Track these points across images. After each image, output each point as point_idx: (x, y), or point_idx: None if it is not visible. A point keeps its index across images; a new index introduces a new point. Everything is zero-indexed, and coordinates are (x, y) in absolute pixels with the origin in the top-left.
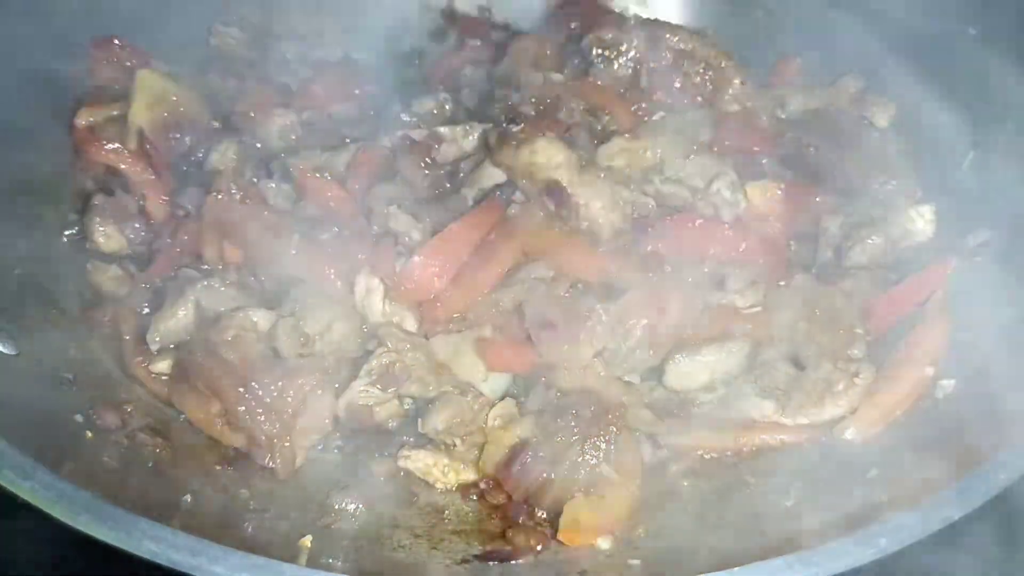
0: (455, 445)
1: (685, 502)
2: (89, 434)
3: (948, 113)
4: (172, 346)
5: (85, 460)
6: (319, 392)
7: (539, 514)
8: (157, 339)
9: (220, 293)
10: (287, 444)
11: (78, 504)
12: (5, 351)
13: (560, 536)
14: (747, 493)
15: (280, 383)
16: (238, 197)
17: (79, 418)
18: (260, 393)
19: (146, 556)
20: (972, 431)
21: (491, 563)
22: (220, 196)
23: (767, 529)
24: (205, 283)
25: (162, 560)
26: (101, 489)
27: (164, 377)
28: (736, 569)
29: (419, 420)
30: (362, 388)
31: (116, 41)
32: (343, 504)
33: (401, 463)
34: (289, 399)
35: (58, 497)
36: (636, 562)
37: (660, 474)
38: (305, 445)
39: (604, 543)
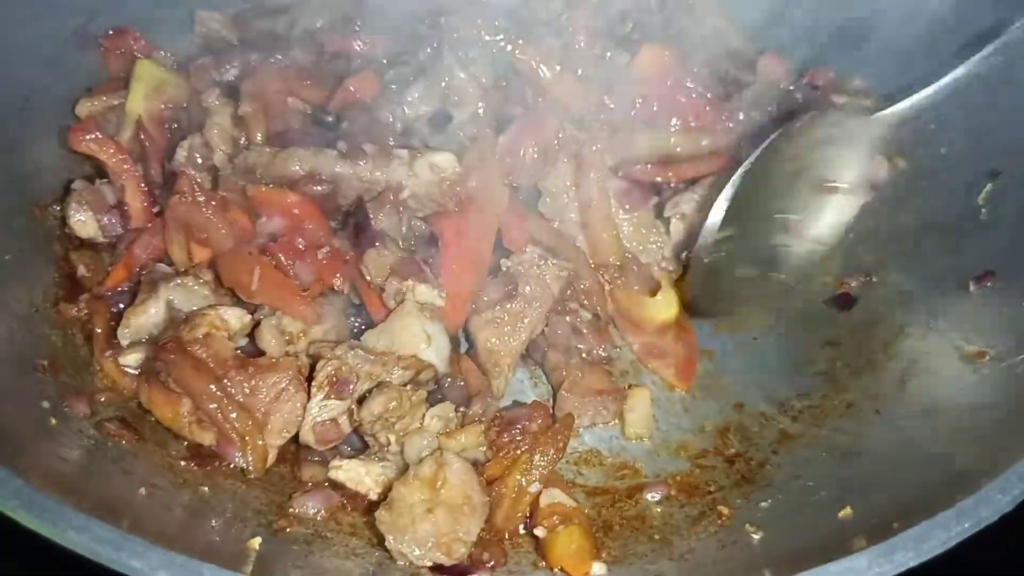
0: (388, 444)
1: (655, 528)
2: (54, 421)
3: (971, 139)
4: (142, 341)
5: (46, 447)
6: (291, 390)
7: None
8: (127, 333)
9: (193, 292)
10: (260, 442)
11: (9, 490)
12: None
13: (569, 568)
14: (716, 524)
15: (253, 381)
16: (201, 199)
17: (46, 404)
18: (232, 391)
19: (69, 546)
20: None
21: None
22: (183, 197)
23: (731, 564)
24: (178, 281)
25: (84, 551)
26: (58, 477)
27: (131, 371)
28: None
29: (353, 408)
30: (320, 403)
31: (131, 33)
32: (303, 508)
33: (332, 474)
34: (262, 396)
35: None
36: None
37: (631, 498)
38: (276, 444)
39: (600, 568)
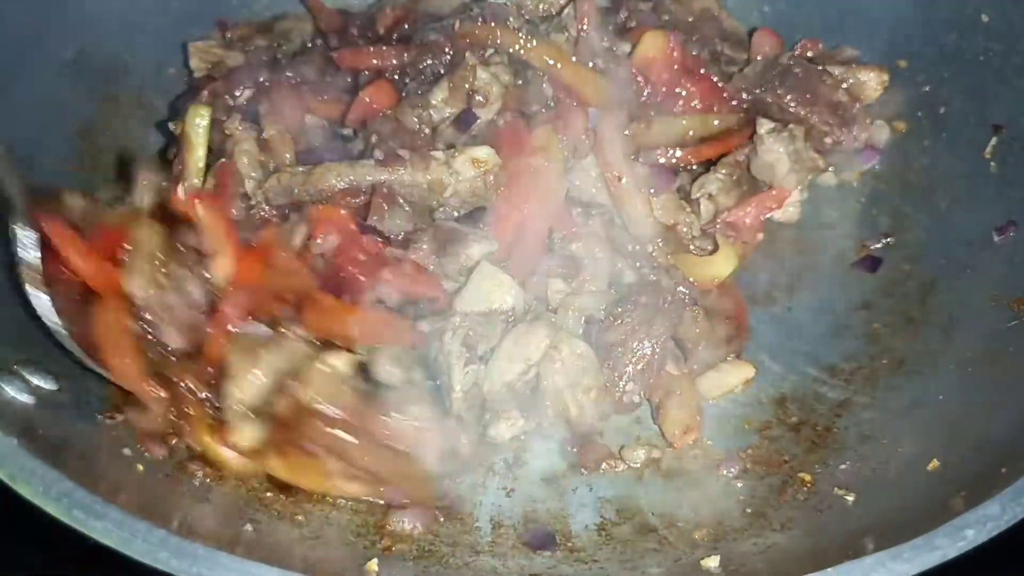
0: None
1: (742, 502)
2: (140, 467)
3: (969, 97)
4: (252, 416)
5: (141, 494)
6: (429, 415)
7: None
8: (237, 412)
9: (294, 348)
10: (421, 476)
11: (154, 541)
12: (47, 387)
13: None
14: (804, 491)
15: (391, 419)
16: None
17: (127, 451)
18: (378, 435)
19: None
20: None
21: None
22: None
23: (832, 527)
24: (276, 342)
25: None
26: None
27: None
28: (830, 570)
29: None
30: (463, 372)
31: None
32: (400, 525)
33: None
34: (405, 433)
35: (132, 535)
36: (713, 564)
37: (710, 475)
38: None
39: (712, 561)
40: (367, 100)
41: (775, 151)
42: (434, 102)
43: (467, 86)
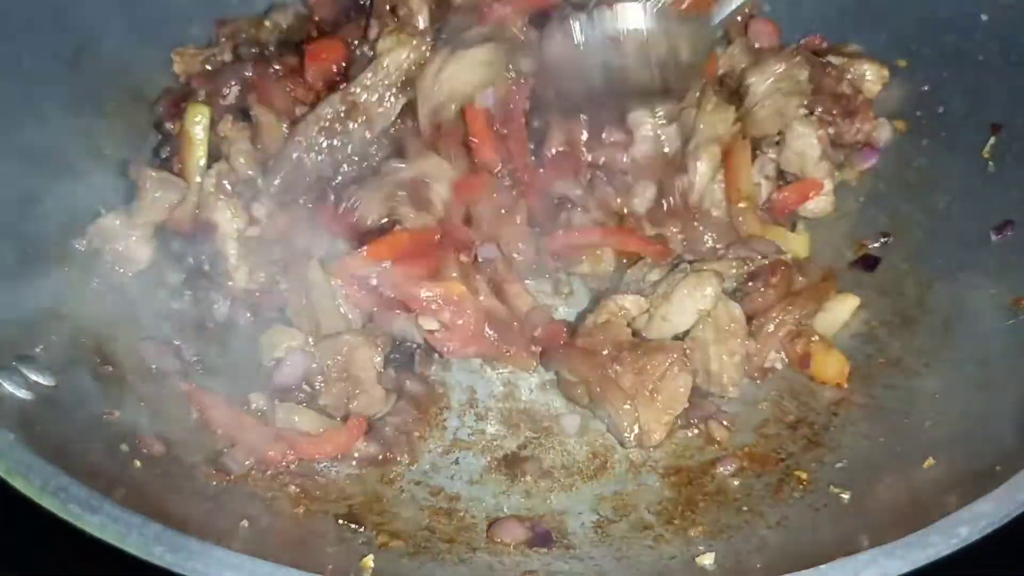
0: None
1: (739, 500)
2: (137, 463)
3: (968, 97)
4: None
5: (137, 490)
6: (676, 369)
7: None
8: None
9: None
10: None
11: (150, 536)
12: (44, 382)
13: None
14: (800, 489)
15: (640, 362)
16: None
17: (125, 447)
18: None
19: None
20: None
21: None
22: None
23: (828, 525)
24: None
25: None
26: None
27: None
28: (824, 567)
29: None
30: None
31: None
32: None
33: None
34: (649, 375)
35: (127, 530)
36: (708, 561)
37: (705, 474)
38: (664, 420)
39: (708, 559)
40: (321, 55)
41: (806, 136)
42: (371, 36)
43: (387, 7)
